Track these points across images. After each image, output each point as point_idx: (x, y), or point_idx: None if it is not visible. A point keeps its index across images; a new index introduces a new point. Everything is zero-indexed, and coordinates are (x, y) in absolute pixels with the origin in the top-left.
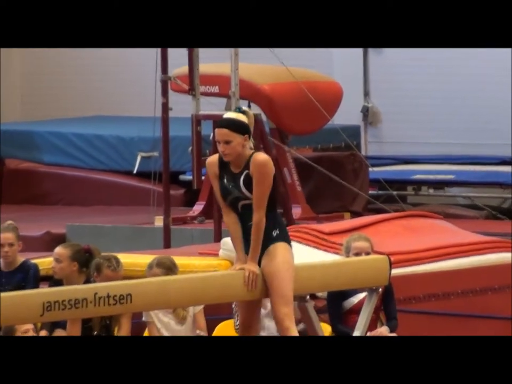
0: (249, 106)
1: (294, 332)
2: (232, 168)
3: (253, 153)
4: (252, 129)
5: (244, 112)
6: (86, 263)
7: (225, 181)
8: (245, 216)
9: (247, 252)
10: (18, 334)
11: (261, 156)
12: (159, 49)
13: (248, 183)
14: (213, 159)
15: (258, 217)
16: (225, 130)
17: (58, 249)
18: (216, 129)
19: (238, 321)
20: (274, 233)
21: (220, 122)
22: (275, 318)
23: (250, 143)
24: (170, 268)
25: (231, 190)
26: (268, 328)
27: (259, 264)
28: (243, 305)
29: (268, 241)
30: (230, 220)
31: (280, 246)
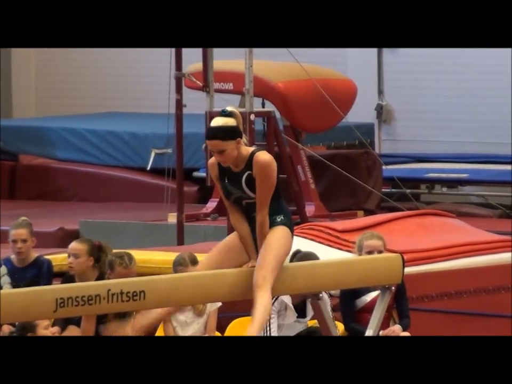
0: (263, 103)
1: (264, 293)
2: (232, 168)
3: (253, 152)
4: (241, 127)
5: (230, 115)
6: (99, 258)
7: (226, 181)
8: (250, 213)
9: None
10: (40, 329)
11: (263, 156)
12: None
13: (251, 183)
14: (213, 160)
15: (262, 218)
16: (216, 141)
17: (76, 245)
18: (207, 141)
19: None
20: (278, 218)
21: (208, 133)
22: (254, 279)
23: (244, 140)
24: (194, 264)
25: (233, 190)
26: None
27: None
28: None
29: (271, 225)
30: (236, 219)
31: (280, 228)
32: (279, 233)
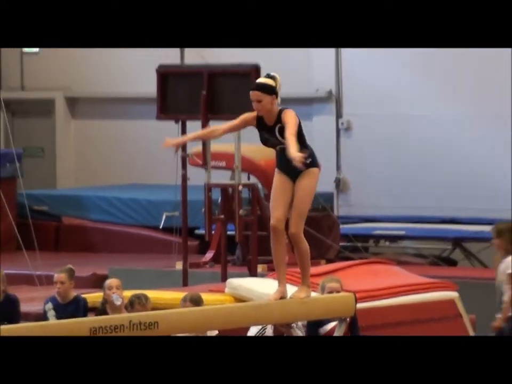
0: (248, 177)
1: (302, 238)
2: (267, 123)
3: (281, 110)
4: (279, 90)
5: (272, 77)
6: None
7: (264, 133)
8: (282, 154)
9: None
10: None
11: (287, 110)
12: (179, 131)
13: (281, 132)
14: (252, 115)
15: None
16: (257, 92)
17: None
18: (250, 92)
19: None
20: (308, 160)
21: (253, 85)
22: (290, 227)
23: (278, 101)
24: (198, 303)
25: (270, 139)
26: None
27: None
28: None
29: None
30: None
31: (311, 171)
32: (308, 178)
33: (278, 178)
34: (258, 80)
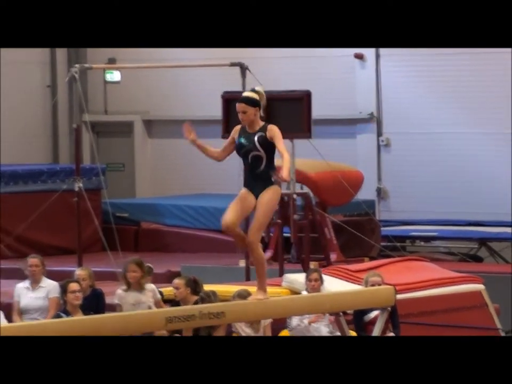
0: (301, 187)
1: (258, 247)
2: (249, 130)
3: (265, 124)
4: (262, 103)
5: (256, 92)
6: (195, 288)
7: (242, 139)
8: (253, 165)
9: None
10: (69, 293)
11: (274, 126)
12: None
13: (261, 139)
14: (238, 127)
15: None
16: (242, 104)
17: (177, 280)
18: (237, 104)
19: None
20: (273, 178)
21: (240, 99)
22: (248, 235)
23: (260, 113)
24: (245, 297)
25: (246, 144)
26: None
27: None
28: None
29: (268, 183)
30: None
31: (272, 188)
32: (270, 194)
33: (244, 191)
34: (244, 94)
